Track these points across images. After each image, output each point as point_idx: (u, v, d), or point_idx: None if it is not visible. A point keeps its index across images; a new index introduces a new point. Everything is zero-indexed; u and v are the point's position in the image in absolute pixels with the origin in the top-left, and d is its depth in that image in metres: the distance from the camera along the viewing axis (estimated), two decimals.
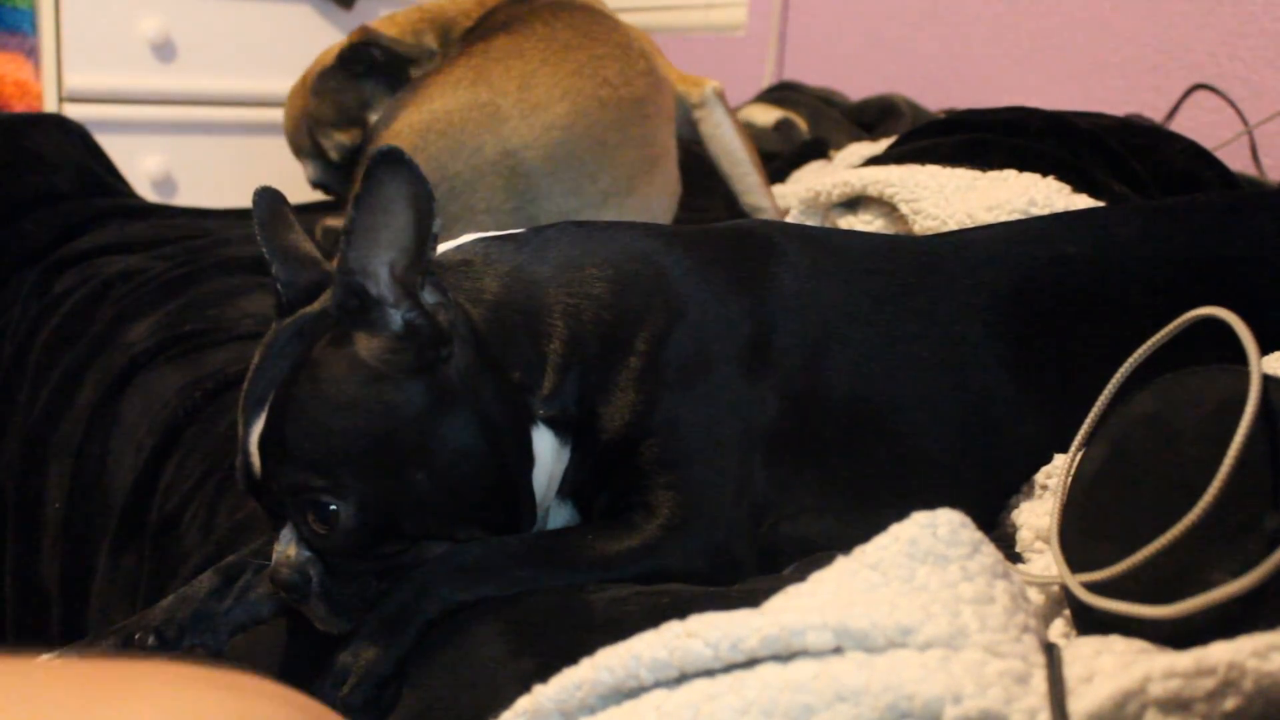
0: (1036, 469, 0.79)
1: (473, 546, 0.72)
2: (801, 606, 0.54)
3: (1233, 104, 1.60)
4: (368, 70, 1.40)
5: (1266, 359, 0.75)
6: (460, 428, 0.71)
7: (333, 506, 0.69)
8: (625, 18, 1.44)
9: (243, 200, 2.01)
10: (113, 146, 1.90)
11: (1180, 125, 1.65)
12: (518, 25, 1.32)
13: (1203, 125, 1.63)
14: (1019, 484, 0.80)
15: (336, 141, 1.44)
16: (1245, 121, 1.58)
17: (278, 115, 2.50)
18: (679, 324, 0.78)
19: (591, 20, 1.34)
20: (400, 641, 0.68)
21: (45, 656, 0.69)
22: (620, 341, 0.77)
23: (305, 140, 1.47)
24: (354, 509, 0.69)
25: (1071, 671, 0.49)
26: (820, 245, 0.86)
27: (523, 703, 0.57)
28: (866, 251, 0.86)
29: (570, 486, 0.78)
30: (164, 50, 2.41)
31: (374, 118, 1.40)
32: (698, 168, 1.47)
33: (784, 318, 0.80)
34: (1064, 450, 0.76)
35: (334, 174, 1.48)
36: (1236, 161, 1.48)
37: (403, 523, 0.71)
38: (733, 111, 1.46)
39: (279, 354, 0.72)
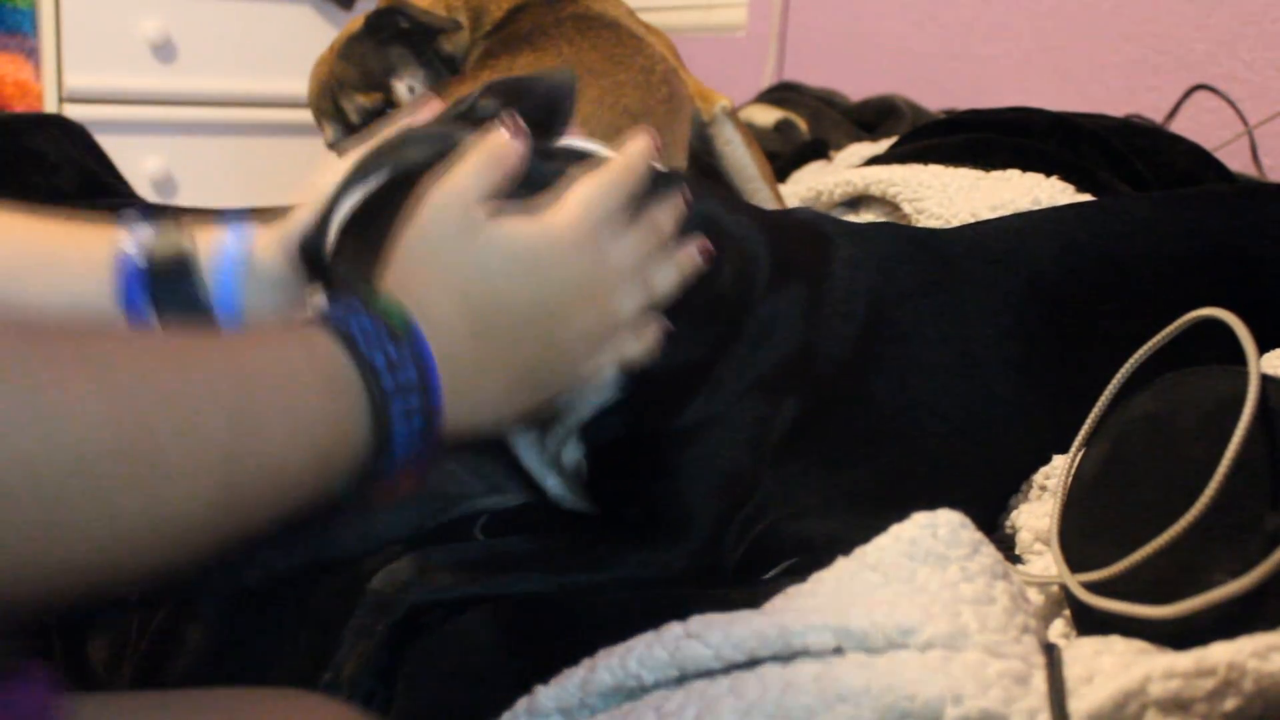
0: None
1: (449, 549, 0.72)
2: (801, 607, 0.54)
3: (1233, 104, 1.60)
4: (394, 36, 1.41)
5: (1266, 357, 0.76)
6: None
7: None
8: None
9: (243, 200, 2.01)
10: (113, 146, 1.90)
11: (1180, 125, 1.65)
12: (543, 41, 1.31)
13: (1203, 125, 1.63)
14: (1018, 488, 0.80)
15: (358, 104, 1.45)
16: (1245, 122, 1.58)
17: (278, 115, 2.52)
18: (753, 316, 0.76)
19: (616, 41, 1.34)
20: (374, 656, 0.68)
21: None
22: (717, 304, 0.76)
23: (327, 103, 1.48)
24: None
25: (1071, 672, 0.49)
26: (859, 240, 0.84)
27: (523, 703, 0.57)
28: (890, 247, 0.85)
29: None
30: (164, 50, 2.41)
31: (398, 84, 1.41)
32: (699, 170, 1.47)
33: (830, 319, 0.79)
34: (1067, 450, 0.76)
35: (352, 137, 1.49)
36: (1236, 162, 1.48)
37: None
38: (744, 128, 1.47)
39: (432, 139, 0.69)
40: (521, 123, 0.66)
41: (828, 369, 0.78)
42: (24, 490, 0.39)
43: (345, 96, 1.45)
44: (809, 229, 0.84)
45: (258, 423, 0.48)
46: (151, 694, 0.48)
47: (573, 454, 0.78)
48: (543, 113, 0.71)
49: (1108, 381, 0.70)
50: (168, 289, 0.72)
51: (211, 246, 0.74)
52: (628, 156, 0.68)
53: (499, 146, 0.64)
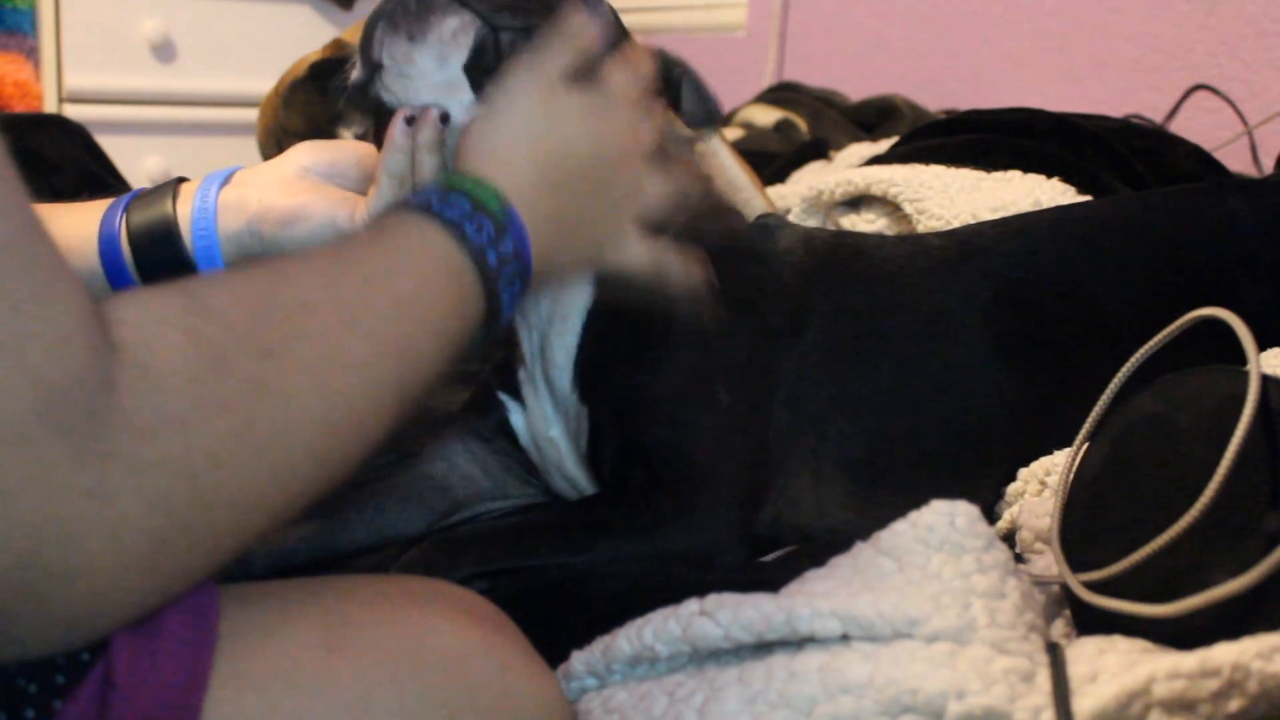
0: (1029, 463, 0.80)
1: (471, 528, 0.76)
2: (811, 592, 0.54)
3: (1233, 104, 1.60)
4: (339, 85, 1.37)
5: (1265, 356, 0.76)
6: None
7: None
8: (626, 18, 1.43)
9: None
10: (113, 146, 1.90)
11: (1180, 125, 1.65)
12: None
13: (1203, 125, 1.63)
14: (1012, 478, 0.81)
15: None
16: (1245, 122, 1.58)
17: None
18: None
19: None
20: None
21: None
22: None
23: (274, 151, 1.44)
24: None
25: (1075, 670, 0.49)
26: (825, 242, 0.88)
27: (561, 667, 0.60)
28: (871, 248, 0.88)
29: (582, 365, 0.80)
30: (164, 51, 2.41)
31: (345, 133, 1.38)
32: None
33: (810, 308, 0.82)
34: (1061, 446, 0.77)
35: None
36: (1236, 162, 1.48)
37: None
38: (727, 141, 1.47)
39: None
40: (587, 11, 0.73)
41: (809, 352, 0.81)
42: (262, 476, 0.47)
43: (291, 146, 1.42)
44: (767, 233, 0.89)
45: (416, 350, 0.56)
46: (291, 581, 0.54)
47: (564, 369, 0.80)
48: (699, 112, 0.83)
49: (1086, 375, 0.71)
50: (150, 253, 0.75)
51: (190, 203, 0.78)
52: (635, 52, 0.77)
53: (577, 32, 0.71)
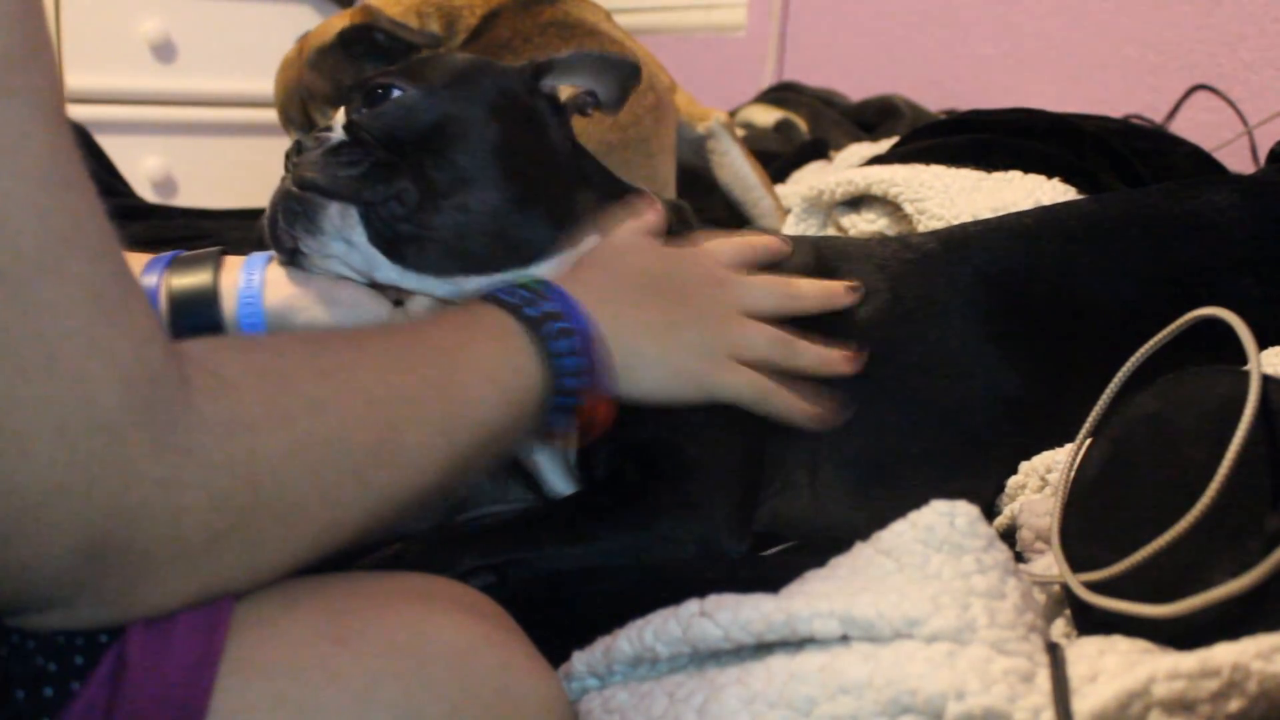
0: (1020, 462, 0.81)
1: (470, 524, 0.77)
2: (811, 592, 0.54)
3: (1233, 104, 1.60)
4: (368, 51, 1.38)
5: (1265, 354, 0.76)
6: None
7: (397, 90, 0.77)
8: (626, 18, 1.43)
9: (243, 200, 2.01)
10: (113, 146, 1.90)
11: (1180, 125, 1.65)
12: (526, 49, 1.28)
13: (1203, 125, 1.63)
14: (1008, 477, 0.82)
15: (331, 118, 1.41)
16: (1245, 122, 1.58)
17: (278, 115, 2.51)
18: None
19: (600, 48, 1.33)
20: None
21: None
22: None
23: (297, 112, 1.44)
24: (418, 97, 0.77)
25: (1075, 670, 0.49)
26: (809, 242, 0.90)
27: (562, 668, 0.60)
28: (854, 248, 0.89)
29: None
30: (164, 51, 2.41)
31: None
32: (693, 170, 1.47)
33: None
34: (1058, 439, 0.77)
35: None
36: (1236, 162, 1.48)
37: (432, 163, 0.76)
38: (740, 140, 1.47)
39: None
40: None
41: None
42: (313, 491, 0.51)
43: (317, 108, 1.41)
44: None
45: (460, 386, 0.60)
46: (296, 576, 0.56)
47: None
48: (617, 89, 0.85)
49: (1078, 367, 0.71)
50: (188, 318, 0.77)
51: (233, 276, 0.79)
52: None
53: (647, 221, 0.81)
